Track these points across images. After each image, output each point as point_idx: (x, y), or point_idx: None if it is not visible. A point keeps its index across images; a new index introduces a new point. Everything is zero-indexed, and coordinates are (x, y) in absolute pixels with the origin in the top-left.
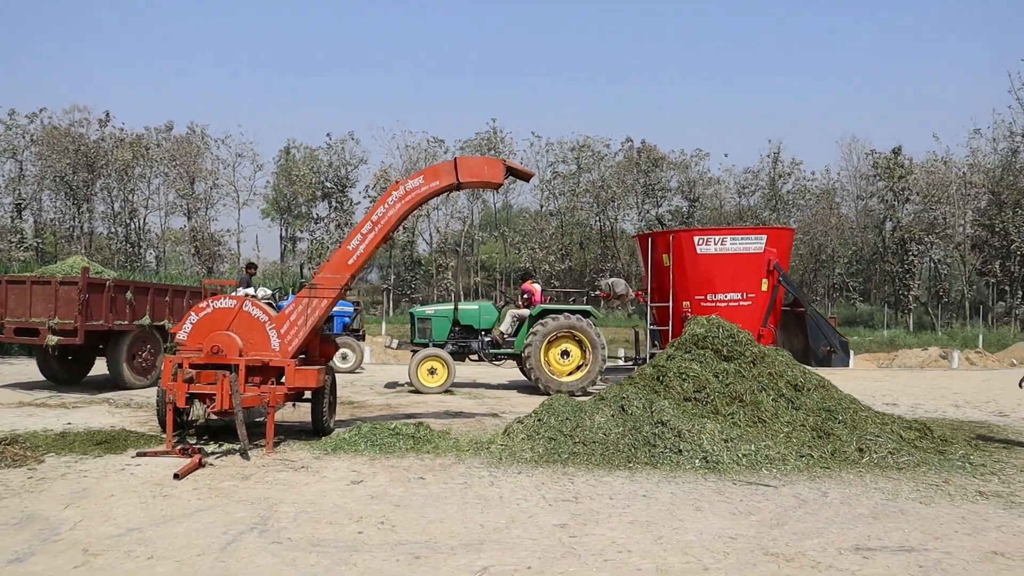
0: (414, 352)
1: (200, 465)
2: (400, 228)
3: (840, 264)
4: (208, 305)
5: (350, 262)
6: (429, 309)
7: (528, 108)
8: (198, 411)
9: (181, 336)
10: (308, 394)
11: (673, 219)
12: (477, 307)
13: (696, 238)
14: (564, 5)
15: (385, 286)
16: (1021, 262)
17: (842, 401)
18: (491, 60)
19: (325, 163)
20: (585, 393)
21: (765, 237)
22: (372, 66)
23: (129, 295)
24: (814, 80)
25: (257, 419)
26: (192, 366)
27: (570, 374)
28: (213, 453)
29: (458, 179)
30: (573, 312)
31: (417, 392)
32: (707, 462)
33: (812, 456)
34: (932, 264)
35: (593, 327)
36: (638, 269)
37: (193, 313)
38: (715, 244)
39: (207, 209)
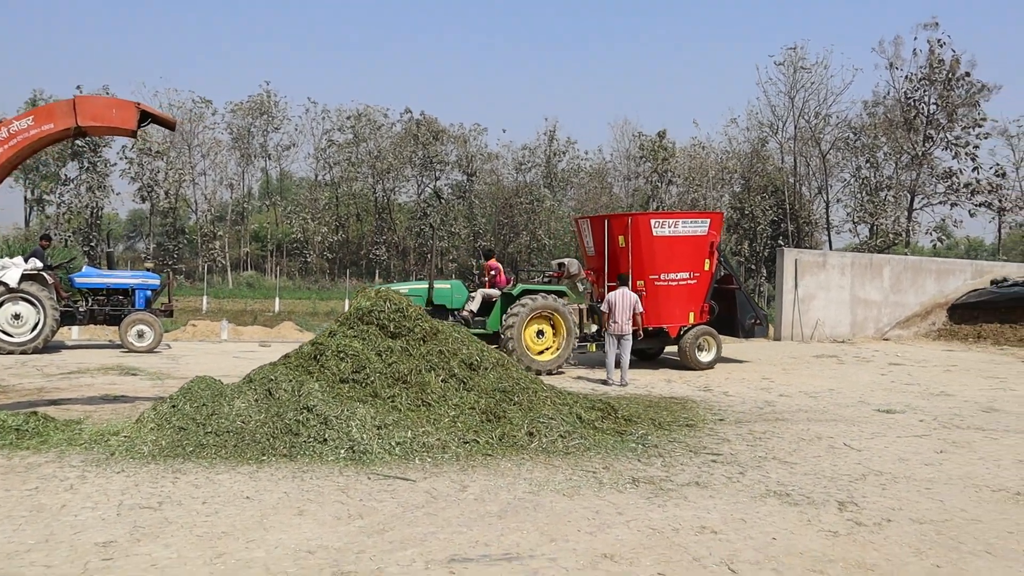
0: None
1: None
2: (164, 194)
3: None
4: None
5: None
6: (403, 287)
7: (305, 73)
8: None
9: None
10: None
11: (453, 193)
12: (449, 286)
13: (652, 221)
14: None
15: (145, 256)
16: (766, 243)
17: (520, 381)
18: (267, 21)
19: None
20: (556, 373)
21: (709, 221)
22: (134, 17)
23: None
24: (589, 61)
25: None
26: None
27: (540, 354)
28: None
29: (78, 122)
30: (550, 292)
31: None
32: (353, 452)
33: (478, 442)
34: None
35: (567, 308)
36: (419, 243)
37: None
38: (669, 227)
39: None
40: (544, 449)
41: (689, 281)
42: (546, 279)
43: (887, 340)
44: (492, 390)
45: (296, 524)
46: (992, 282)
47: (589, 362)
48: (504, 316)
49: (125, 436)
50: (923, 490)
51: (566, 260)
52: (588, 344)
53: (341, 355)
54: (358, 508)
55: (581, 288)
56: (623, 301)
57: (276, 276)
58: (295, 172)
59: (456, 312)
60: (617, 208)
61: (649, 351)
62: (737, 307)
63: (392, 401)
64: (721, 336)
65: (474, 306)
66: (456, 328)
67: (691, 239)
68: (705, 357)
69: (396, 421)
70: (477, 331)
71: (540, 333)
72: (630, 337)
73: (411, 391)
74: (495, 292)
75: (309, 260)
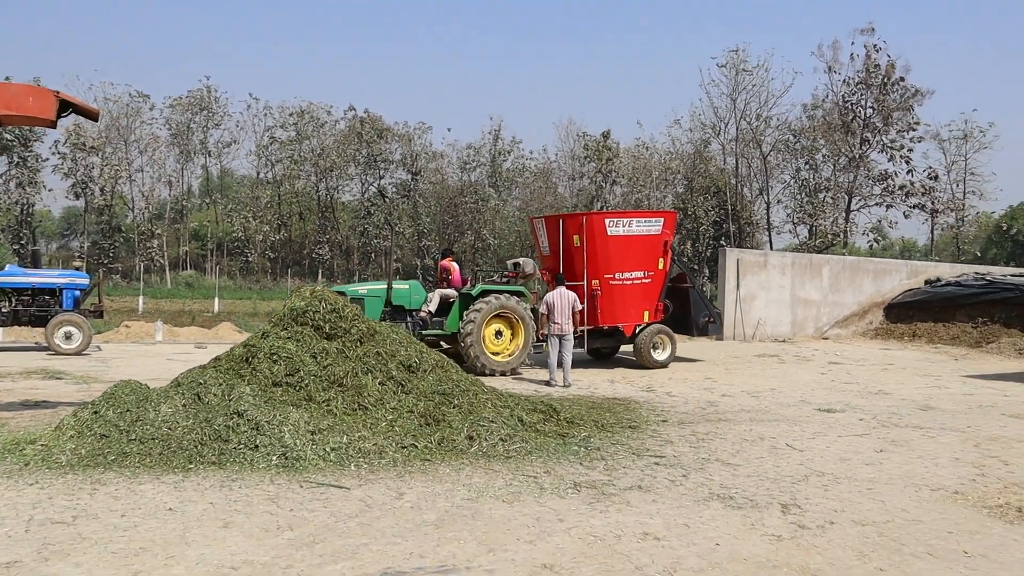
0: None
1: None
2: (99, 191)
3: None
4: None
5: None
6: (362, 288)
7: (247, 68)
8: None
9: None
10: None
11: (397, 192)
12: (408, 286)
13: (607, 220)
14: None
15: (77, 254)
16: (708, 244)
17: (461, 383)
18: (207, 13)
19: None
20: (515, 373)
21: (663, 220)
22: (67, 5)
23: None
24: (535, 60)
25: None
26: None
27: (496, 354)
28: None
29: None
30: (509, 293)
31: None
32: (286, 459)
33: (416, 447)
34: None
35: (526, 308)
36: (362, 242)
37: None
38: (623, 226)
39: None
40: (484, 453)
41: (644, 280)
42: (503, 279)
43: (826, 339)
44: (431, 393)
45: (221, 537)
46: (926, 282)
47: (536, 362)
48: (463, 316)
49: (42, 445)
50: (864, 491)
51: (522, 260)
52: (544, 344)
53: (274, 357)
54: (288, 519)
55: (537, 287)
56: (561, 301)
57: (216, 276)
58: (236, 169)
59: (414, 312)
60: (562, 208)
61: (604, 350)
62: (691, 305)
63: (327, 405)
64: (675, 334)
65: (432, 307)
66: (394, 329)
67: (645, 238)
68: (660, 355)
69: (331, 426)
70: (435, 331)
71: (499, 334)
72: (571, 337)
73: (347, 394)
74: (452, 292)
75: (250, 259)
